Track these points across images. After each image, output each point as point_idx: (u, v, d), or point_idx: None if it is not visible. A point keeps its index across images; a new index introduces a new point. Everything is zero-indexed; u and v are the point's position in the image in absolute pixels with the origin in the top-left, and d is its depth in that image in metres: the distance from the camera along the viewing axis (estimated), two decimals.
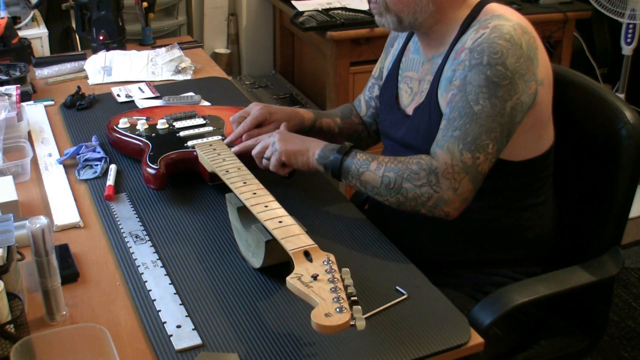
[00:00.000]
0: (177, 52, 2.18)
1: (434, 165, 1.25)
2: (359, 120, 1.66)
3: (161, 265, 1.27)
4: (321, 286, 0.99)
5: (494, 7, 1.33)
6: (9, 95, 1.79)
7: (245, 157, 1.45)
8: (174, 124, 1.64)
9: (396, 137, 1.47)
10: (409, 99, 1.45)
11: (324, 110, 1.71)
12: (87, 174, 1.56)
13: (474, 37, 1.28)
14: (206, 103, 1.90)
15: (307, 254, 1.08)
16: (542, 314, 1.48)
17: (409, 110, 1.44)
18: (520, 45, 1.24)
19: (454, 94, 1.27)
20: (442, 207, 1.26)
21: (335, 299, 0.96)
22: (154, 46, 2.38)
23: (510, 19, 1.28)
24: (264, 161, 1.41)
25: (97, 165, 1.58)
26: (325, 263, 1.05)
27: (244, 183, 1.31)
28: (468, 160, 1.24)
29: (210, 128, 1.62)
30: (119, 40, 2.29)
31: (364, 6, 2.76)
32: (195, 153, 1.51)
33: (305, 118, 1.58)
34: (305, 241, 1.12)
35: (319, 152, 1.36)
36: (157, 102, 1.91)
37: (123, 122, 1.65)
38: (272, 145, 1.39)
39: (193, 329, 1.11)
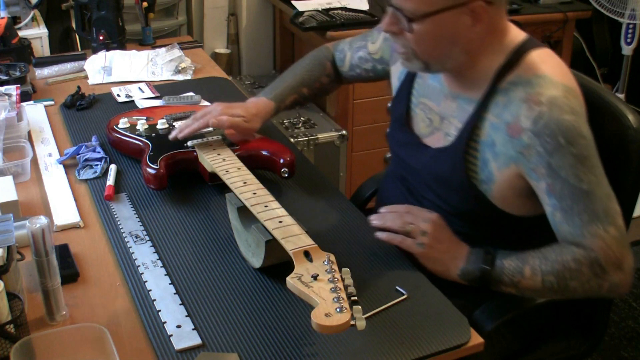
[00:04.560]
0: (177, 52, 2.18)
1: (592, 255, 1.19)
2: (330, 77, 1.65)
3: (161, 265, 1.27)
4: (321, 286, 0.99)
5: (534, 59, 1.23)
6: (9, 95, 1.78)
7: (246, 158, 1.45)
8: (174, 124, 1.64)
9: (404, 157, 1.43)
10: (427, 130, 1.39)
11: (285, 82, 1.65)
12: (87, 174, 1.56)
13: (528, 114, 1.19)
14: (206, 103, 1.90)
15: (307, 254, 1.08)
16: (544, 318, 1.46)
17: (428, 142, 1.38)
18: (580, 112, 1.20)
19: (549, 183, 1.19)
20: (616, 290, 1.22)
21: (335, 299, 0.96)
22: (154, 46, 2.38)
23: (557, 82, 1.20)
24: (402, 239, 1.29)
25: (97, 165, 1.58)
26: (326, 263, 1.05)
27: (244, 183, 1.31)
28: (616, 233, 1.19)
29: (210, 128, 1.62)
30: (119, 40, 2.29)
31: (364, 6, 2.76)
32: (195, 153, 1.51)
33: (269, 112, 1.57)
34: (306, 241, 1.12)
35: (462, 267, 1.26)
36: (157, 102, 1.91)
37: (123, 122, 1.65)
38: (422, 235, 1.27)
39: (193, 329, 1.11)
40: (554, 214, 1.21)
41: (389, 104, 1.56)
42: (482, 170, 1.27)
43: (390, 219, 1.31)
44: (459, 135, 1.30)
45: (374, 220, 1.32)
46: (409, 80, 1.45)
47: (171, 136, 1.54)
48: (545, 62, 1.24)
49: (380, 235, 1.30)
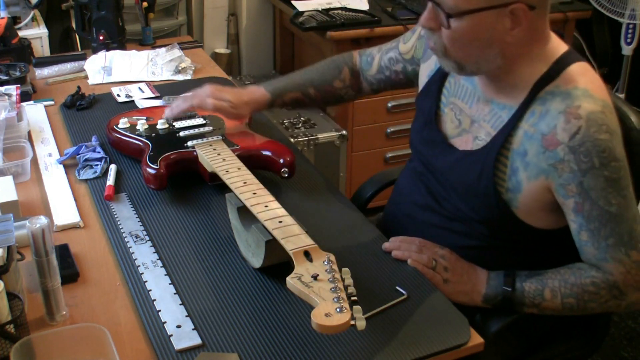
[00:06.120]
0: (177, 52, 2.18)
1: (611, 280, 1.21)
2: (344, 82, 1.60)
3: (161, 265, 1.27)
4: (321, 286, 0.99)
5: (574, 72, 1.21)
6: (9, 95, 1.78)
7: (246, 158, 1.45)
8: (174, 124, 1.64)
9: (427, 156, 1.40)
10: (455, 132, 1.36)
11: (290, 79, 1.62)
12: (87, 174, 1.56)
13: (565, 127, 1.17)
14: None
15: (307, 254, 1.08)
16: (547, 320, 1.45)
17: (455, 143, 1.36)
18: (615, 130, 1.19)
19: (578, 202, 1.19)
20: (633, 307, 1.26)
21: (335, 299, 0.96)
22: (154, 46, 2.38)
23: (596, 97, 1.18)
24: (433, 274, 1.29)
25: (97, 165, 1.58)
26: (326, 263, 1.05)
27: (244, 183, 1.31)
28: (638, 257, 1.20)
29: (210, 128, 1.62)
30: (119, 40, 2.29)
31: (364, 6, 2.76)
32: (195, 153, 1.51)
33: (262, 103, 1.57)
34: (306, 241, 1.11)
35: (484, 294, 1.29)
36: (157, 102, 1.91)
37: (123, 122, 1.65)
38: (445, 272, 1.30)
39: (193, 329, 1.11)
40: (580, 233, 1.22)
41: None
42: (510, 179, 1.25)
43: (411, 250, 1.30)
44: (491, 141, 1.27)
45: (395, 251, 1.31)
46: (439, 77, 1.41)
47: (165, 115, 1.61)
48: (585, 75, 1.22)
49: (413, 263, 1.29)
